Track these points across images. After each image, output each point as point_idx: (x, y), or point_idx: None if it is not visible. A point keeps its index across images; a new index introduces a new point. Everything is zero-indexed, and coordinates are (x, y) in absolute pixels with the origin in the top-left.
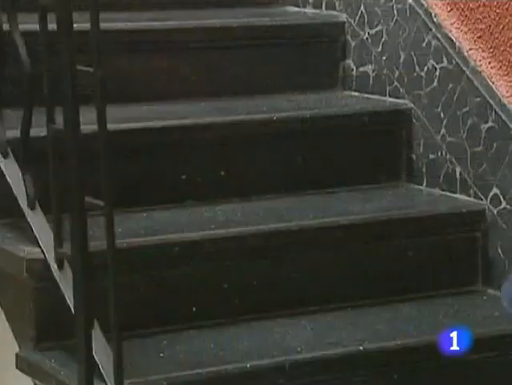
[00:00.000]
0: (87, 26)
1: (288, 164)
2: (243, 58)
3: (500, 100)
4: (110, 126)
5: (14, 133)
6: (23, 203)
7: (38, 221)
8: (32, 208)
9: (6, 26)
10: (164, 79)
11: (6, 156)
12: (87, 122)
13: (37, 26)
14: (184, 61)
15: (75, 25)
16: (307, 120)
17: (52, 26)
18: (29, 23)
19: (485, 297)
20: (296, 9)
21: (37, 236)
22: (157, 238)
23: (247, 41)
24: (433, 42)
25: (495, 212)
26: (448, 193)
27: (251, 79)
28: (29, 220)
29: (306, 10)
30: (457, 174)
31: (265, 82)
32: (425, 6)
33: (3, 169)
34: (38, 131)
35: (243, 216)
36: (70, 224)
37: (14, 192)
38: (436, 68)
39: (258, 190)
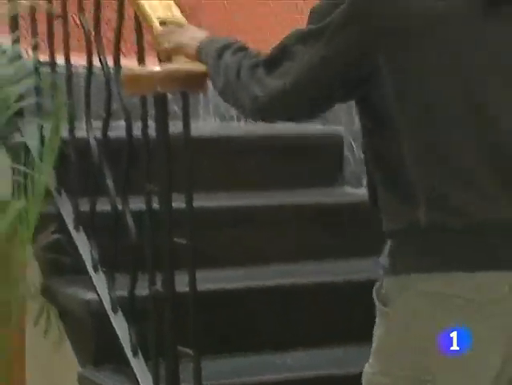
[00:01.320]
0: (183, 204)
1: (350, 317)
2: None
3: None
4: (200, 286)
5: (122, 293)
6: (128, 351)
7: (139, 367)
8: (135, 355)
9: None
10: (244, 249)
11: (115, 312)
12: (180, 282)
13: (143, 206)
14: (264, 233)
15: (173, 204)
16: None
17: (155, 205)
18: (137, 203)
19: None
20: None
21: (138, 379)
22: (238, 380)
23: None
24: None
25: None
26: None
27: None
28: (132, 365)
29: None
30: None
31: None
32: None
33: (113, 323)
34: (140, 291)
35: (309, 361)
36: (165, 369)
37: (122, 343)
38: None
39: (322, 339)
